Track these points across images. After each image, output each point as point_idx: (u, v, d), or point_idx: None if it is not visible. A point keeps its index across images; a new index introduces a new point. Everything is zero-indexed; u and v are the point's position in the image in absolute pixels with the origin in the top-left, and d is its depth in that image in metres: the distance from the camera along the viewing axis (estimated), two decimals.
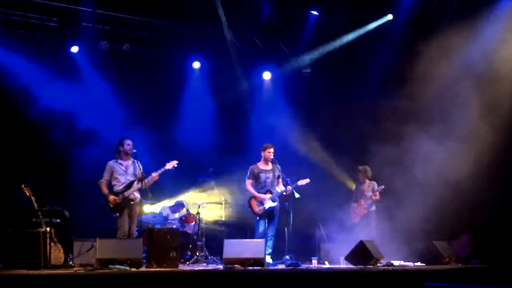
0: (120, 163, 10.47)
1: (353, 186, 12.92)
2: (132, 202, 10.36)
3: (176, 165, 10.66)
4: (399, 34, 13.10)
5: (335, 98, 13.93)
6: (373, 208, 12.19)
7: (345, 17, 13.04)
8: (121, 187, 10.34)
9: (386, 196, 12.09)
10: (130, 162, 10.48)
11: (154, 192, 10.68)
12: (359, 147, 13.18)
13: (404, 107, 12.35)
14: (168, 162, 10.62)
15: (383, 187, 12.09)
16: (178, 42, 13.99)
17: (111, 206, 10.26)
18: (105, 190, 10.37)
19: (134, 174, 10.40)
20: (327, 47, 13.95)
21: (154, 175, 10.44)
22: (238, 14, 13.02)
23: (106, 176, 10.43)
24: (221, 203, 13.20)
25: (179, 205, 12.99)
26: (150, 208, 12.89)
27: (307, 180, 11.15)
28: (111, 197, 10.26)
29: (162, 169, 10.56)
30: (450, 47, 11.87)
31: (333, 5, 12.91)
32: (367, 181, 12.40)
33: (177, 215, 12.96)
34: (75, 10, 12.66)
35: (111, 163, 10.49)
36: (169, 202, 13.21)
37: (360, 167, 12.50)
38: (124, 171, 10.43)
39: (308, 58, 14.30)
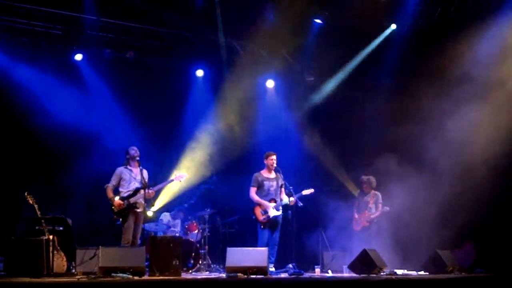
0: (130, 170, 10.52)
1: (357, 194, 12.85)
2: (137, 210, 10.36)
3: (183, 178, 10.72)
4: (403, 42, 13.08)
5: (339, 106, 13.93)
6: (375, 220, 12.13)
7: (349, 26, 13.02)
8: (127, 194, 10.36)
9: (388, 204, 12.07)
10: (139, 169, 10.51)
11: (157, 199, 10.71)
12: (364, 155, 13.14)
13: (409, 114, 12.34)
14: (177, 174, 10.67)
15: (388, 208, 11.97)
16: (181, 50, 14.01)
17: (115, 210, 10.29)
18: (110, 194, 10.41)
19: (141, 182, 10.41)
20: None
21: (151, 191, 10.44)
22: (241, 22, 13.03)
23: (113, 181, 10.47)
24: (224, 211, 13.21)
25: (180, 211, 12.99)
26: (151, 213, 12.88)
27: (311, 190, 11.16)
28: (117, 202, 10.28)
29: (169, 181, 10.59)
30: (455, 52, 11.86)
31: (337, 13, 12.89)
32: (372, 191, 12.26)
33: (177, 221, 12.94)
34: (79, 18, 12.69)
35: (121, 168, 10.54)
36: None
37: (364, 178, 12.31)
38: (133, 178, 10.47)
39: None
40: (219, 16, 12.98)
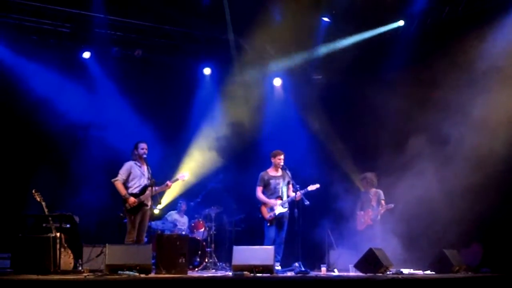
0: (139, 166, 10.38)
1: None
2: (146, 207, 10.32)
3: (186, 178, 10.71)
4: (410, 41, 13.06)
5: (346, 103, 13.92)
6: (378, 217, 12.11)
7: (356, 25, 13.01)
8: (137, 190, 10.24)
9: (396, 205, 12.03)
10: (145, 166, 10.43)
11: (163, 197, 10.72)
12: (371, 152, 13.12)
13: (416, 112, 12.29)
14: (182, 173, 10.66)
15: (392, 205, 11.92)
16: (189, 48, 14.05)
17: (128, 207, 10.15)
18: (123, 190, 10.16)
19: (148, 178, 10.34)
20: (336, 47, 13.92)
21: (169, 184, 10.45)
22: (249, 21, 13.03)
23: (123, 175, 10.23)
24: (231, 209, 13.23)
25: (181, 204, 13.03)
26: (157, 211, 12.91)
27: (317, 185, 11.10)
28: (131, 199, 10.10)
29: (174, 179, 10.58)
30: (462, 53, 11.81)
31: (345, 12, 12.87)
32: (373, 189, 12.25)
33: (184, 218, 12.97)
34: (88, 16, 12.75)
35: (131, 163, 10.33)
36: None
37: (362, 176, 12.38)
38: (142, 174, 10.33)
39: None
40: (228, 14, 12.99)
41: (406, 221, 11.70)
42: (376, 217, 12.04)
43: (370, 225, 12.04)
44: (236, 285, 8.30)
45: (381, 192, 12.19)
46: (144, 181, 10.32)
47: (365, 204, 12.24)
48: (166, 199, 12.91)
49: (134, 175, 10.29)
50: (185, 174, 10.78)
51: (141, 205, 10.23)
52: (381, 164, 12.51)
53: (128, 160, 10.48)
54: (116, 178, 10.23)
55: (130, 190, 10.25)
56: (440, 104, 12.01)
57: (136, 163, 10.37)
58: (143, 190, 10.26)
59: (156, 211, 12.25)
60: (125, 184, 10.27)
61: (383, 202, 12.08)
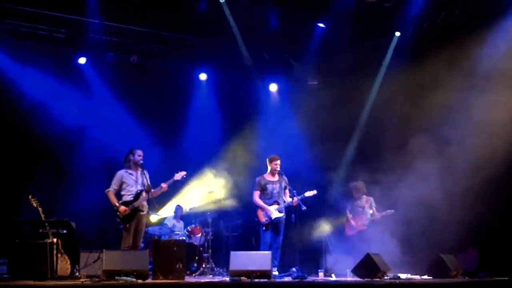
0: (131, 173, 10.35)
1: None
2: (141, 213, 10.29)
3: (184, 176, 10.66)
4: (406, 45, 13.11)
5: (341, 108, 13.93)
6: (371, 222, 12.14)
7: (352, 29, 13.05)
8: (130, 198, 10.22)
9: (394, 208, 12.03)
10: (139, 172, 10.39)
11: (161, 204, 10.67)
12: (366, 157, 13.13)
13: (412, 116, 12.32)
14: (177, 172, 10.61)
15: (393, 211, 11.92)
16: (185, 54, 14.04)
17: (120, 216, 10.15)
18: (114, 200, 10.18)
19: (143, 185, 10.32)
20: None
21: (164, 185, 10.41)
22: (245, 26, 13.06)
23: (114, 185, 10.26)
24: (227, 214, 13.22)
25: (178, 209, 13.01)
26: (155, 217, 12.90)
27: (314, 192, 11.12)
28: (122, 208, 10.10)
29: (171, 180, 10.53)
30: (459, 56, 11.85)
31: (340, 17, 12.91)
32: (364, 196, 12.26)
33: (181, 223, 12.95)
34: (83, 21, 12.75)
35: (121, 172, 10.34)
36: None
37: (351, 184, 12.39)
38: (135, 181, 10.30)
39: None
40: (231, 20, 13.02)
41: (405, 224, 11.70)
42: (369, 222, 12.04)
43: (364, 230, 12.04)
44: None
45: (372, 199, 12.22)
46: (138, 187, 10.31)
47: (357, 210, 12.24)
48: (165, 206, 12.93)
49: (127, 183, 10.30)
50: (182, 173, 10.71)
51: (136, 211, 10.20)
52: (380, 166, 12.50)
53: (123, 166, 10.49)
54: (108, 189, 10.28)
55: (124, 198, 10.25)
56: (438, 106, 12.04)
57: (126, 171, 10.38)
58: (137, 196, 10.24)
59: (153, 219, 12.30)
60: (119, 193, 10.28)
61: (375, 209, 12.10)
